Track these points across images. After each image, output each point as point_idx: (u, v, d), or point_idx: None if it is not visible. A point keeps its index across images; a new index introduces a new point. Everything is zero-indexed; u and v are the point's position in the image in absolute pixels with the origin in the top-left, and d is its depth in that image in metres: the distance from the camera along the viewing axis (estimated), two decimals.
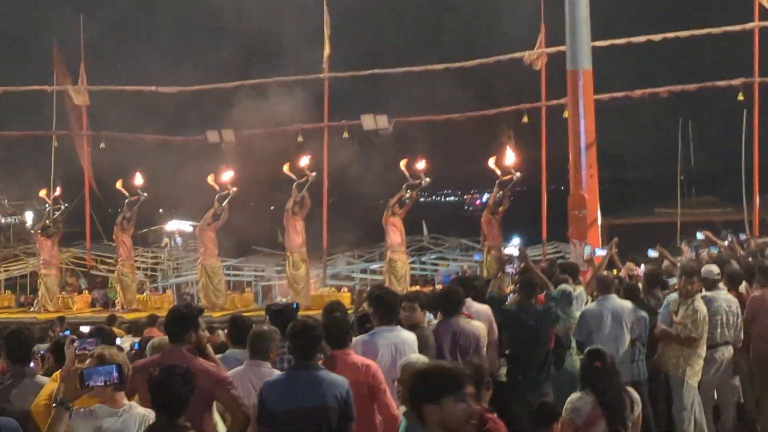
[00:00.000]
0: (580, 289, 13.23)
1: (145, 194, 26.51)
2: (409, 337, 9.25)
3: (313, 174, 25.26)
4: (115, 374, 6.27)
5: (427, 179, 24.44)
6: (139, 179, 26.77)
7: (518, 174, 23.24)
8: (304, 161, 25.30)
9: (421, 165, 24.50)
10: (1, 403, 7.89)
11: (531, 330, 10.71)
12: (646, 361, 11.86)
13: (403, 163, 24.40)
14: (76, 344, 6.98)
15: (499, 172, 23.54)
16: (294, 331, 7.74)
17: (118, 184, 26.71)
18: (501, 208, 23.53)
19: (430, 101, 32.65)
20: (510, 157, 23.45)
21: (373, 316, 9.43)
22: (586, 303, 12.88)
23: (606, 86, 26.37)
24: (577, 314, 12.13)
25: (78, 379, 6.19)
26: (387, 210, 24.24)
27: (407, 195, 24.28)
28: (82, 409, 6.56)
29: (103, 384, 6.30)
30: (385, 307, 9.39)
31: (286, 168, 25.04)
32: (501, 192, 23.72)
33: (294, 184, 24.76)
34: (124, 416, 6.62)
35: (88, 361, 6.63)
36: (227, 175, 25.76)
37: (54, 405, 6.25)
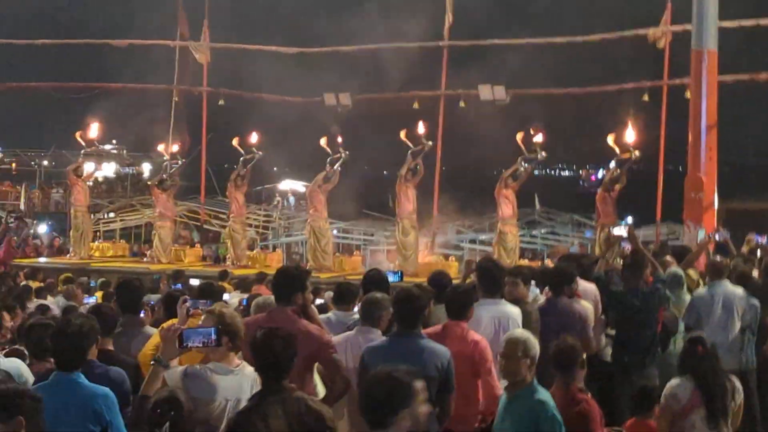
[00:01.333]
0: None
1: (260, 153, 26.68)
2: (513, 311, 9.20)
3: (429, 143, 25.13)
4: (213, 336, 6.35)
5: (543, 153, 24.15)
6: (254, 137, 26.95)
7: (637, 153, 22.88)
8: (421, 129, 25.22)
9: (537, 138, 24.23)
10: (118, 351, 8.04)
11: (637, 311, 10.56)
12: (756, 349, 11.62)
13: (519, 136, 24.15)
14: (188, 304, 7.10)
15: (618, 150, 23.21)
16: (398, 299, 7.77)
17: (235, 141, 26.94)
18: (617, 186, 23.18)
19: (548, 74, 32.37)
20: (630, 135, 23.08)
21: (477, 288, 9.39)
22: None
23: (730, 68, 25.79)
24: (687, 298, 11.95)
25: (177, 340, 6.28)
26: (500, 182, 24.03)
27: (522, 168, 24.06)
28: (198, 366, 6.64)
29: (201, 345, 6.38)
30: (489, 280, 9.36)
31: (402, 134, 24.97)
32: (618, 170, 23.37)
33: (409, 152, 24.69)
34: (239, 375, 6.67)
35: (203, 318, 6.72)
36: (340, 139, 25.82)
37: (152, 363, 6.34)
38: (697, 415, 7.96)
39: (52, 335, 6.71)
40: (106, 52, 35.32)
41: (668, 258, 13.12)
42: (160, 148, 29.61)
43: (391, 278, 9.89)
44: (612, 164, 24.01)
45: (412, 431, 5.12)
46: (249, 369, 6.66)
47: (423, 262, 25.03)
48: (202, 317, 6.80)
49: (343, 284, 9.65)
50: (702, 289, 12.16)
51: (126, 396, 6.97)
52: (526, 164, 24.10)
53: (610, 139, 23.09)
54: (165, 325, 7.55)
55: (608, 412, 8.26)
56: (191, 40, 32.40)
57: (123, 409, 6.55)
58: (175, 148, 28.14)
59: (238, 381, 6.63)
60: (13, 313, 12.05)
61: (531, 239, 31.71)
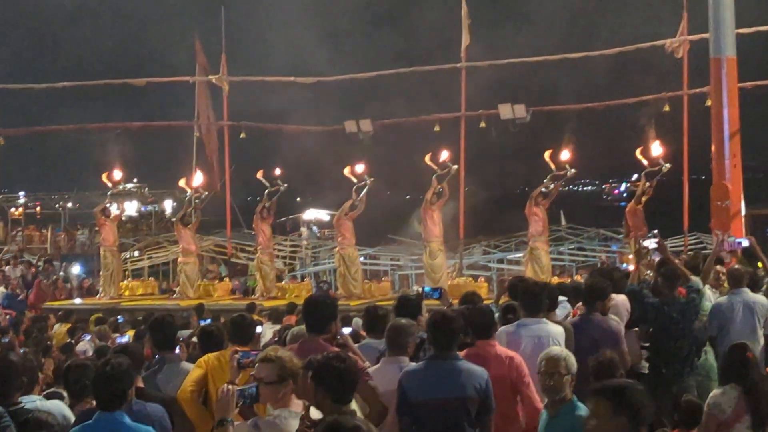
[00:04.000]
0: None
1: (285, 185, 26.71)
2: (555, 329, 9.18)
3: (455, 167, 25.18)
4: (254, 392, 6.28)
5: (572, 170, 24.19)
6: (278, 170, 27.00)
7: (667, 165, 22.83)
8: (445, 153, 25.24)
9: (565, 156, 24.23)
10: (148, 388, 8.06)
11: (675, 322, 10.52)
12: None
13: (547, 154, 24.15)
14: (238, 356, 7.04)
15: (646, 163, 23.16)
16: (434, 322, 7.74)
17: (259, 174, 26.99)
18: (644, 198, 23.15)
19: (567, 90, 32.34)
20: (657, 147, 23.03)
21: (519, 308, 9.37)
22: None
23: (750, 74, 25.73)
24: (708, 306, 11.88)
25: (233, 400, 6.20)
26: (530, 200, 24.03)
27: (551, 186, 24.09)
28: (268, 418, 6.48)
29: (248, 401, 6.32)
30: (530, 299, 9.33)
31: (427, 158, 25.01)
32: (648, 183, 23.32)
33: (434, 176, 24.72)
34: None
35: (257, 366, 6.62)
36: (363, 167, 25.83)
37: (216, 427, 6.22)
38: (743, 423, 7.90)
39: (92, 378, 6.74)
40: (126, 91, 35.51)
41: (718, 267, 13.06)
42: (181, 183, 29.67)
43: (431, 295, 9.87)
44: (639, 177, 23.97)
45: None
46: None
47: (452, 284, 24.98)
48: (256, 365, 6.70)
49: (371, 311, 9.54)
50: (722, 298, 12.08)
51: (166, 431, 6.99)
52: (554, 182, 24.10)
53: (638, 152, 23.07)
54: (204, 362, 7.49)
55: None
56: (210, 74, 32.49)
57: None
58: (197, 182, 28.16)
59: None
60: (48, 356, 12.12)
61: (558, 255, 31.62)
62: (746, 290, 11.79)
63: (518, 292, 9.66)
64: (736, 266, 13.07)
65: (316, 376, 6.25)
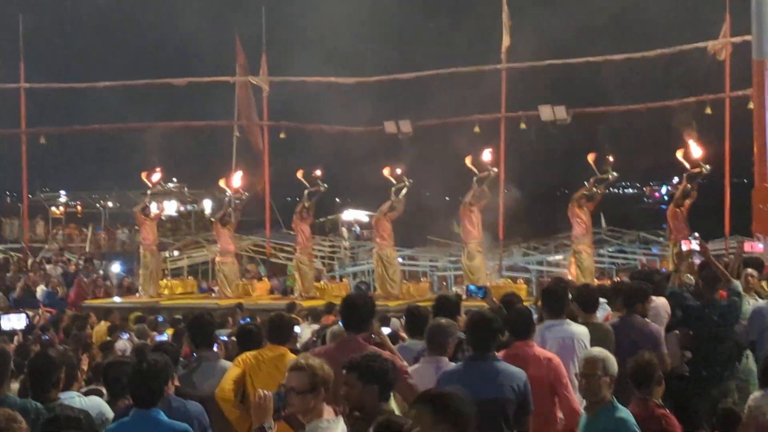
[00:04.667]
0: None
1: (325, 185, 26.72)
2: (579, 330, 9.15)
3: (495, 170, 25.14)
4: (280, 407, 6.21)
5: (615, 174, 24.11)
6: (318, 170, 27.02)
7: (707, 167, 22.69)
8: (487, 156, 25.18)
9: (607, 160, 24.14)
10: (186, 386, 8.09)
11: (716, 325, 10.45)
12: None
13: (591, 158, 24.06)
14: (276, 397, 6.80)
15: (687, 165, 23.02)
16: (472, 323, 7.72)
17: (299, 174, 27.02)
18: (687, 201, 22.98)
19: (609, 91, 32.17)
20: (697, 150, 22.89)
21: (542, 309, 9.35)
22: None
23: None
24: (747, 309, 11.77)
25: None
26: (571, 202, 23.96)
27: (596, 189, 24.00)
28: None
29: (280, 408, 6.22)
30: (553, 301, 9.31)
31: (467, 161, 24.96)
32: (689, 185, 23.18)
33: (474, 178, 24.69)
34: (339, 422, 6.37)
35: (287, 375, 6.46)
36: (402, 168, 25.84)
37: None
38: None
39: (129, 375, 6.77)
40: (166, 91, 35.68)
41: (750, 270, 12.94)
42: (221, 183, 29.76)
43: (476, 293, 9.84)
44: (680, 179, 23.83)
45: None
46: (340, 418, 6.36)
47: (491, 286, 24.91)
48: (287, 373, 6.54)
49: (413, 311, 9.54)
50: (763, 302, 11.96)
51: (205, 429, 7.01)
52: (598, 185, 24.01)
53: (679, 155, 22.93)
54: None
55: (685, 426, 8.14)
56: (250, 74, 32.57)
57: None
58: (236, 183, 28.22)
59: (341, 428, 6.32)
60: (89, 353, 12.18)
61: (598, 258, 31.46)
62: None
63: (542, 295, 9.65)
64: None
65: (361, 374, 6.26)
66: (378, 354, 6.57)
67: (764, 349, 10.44)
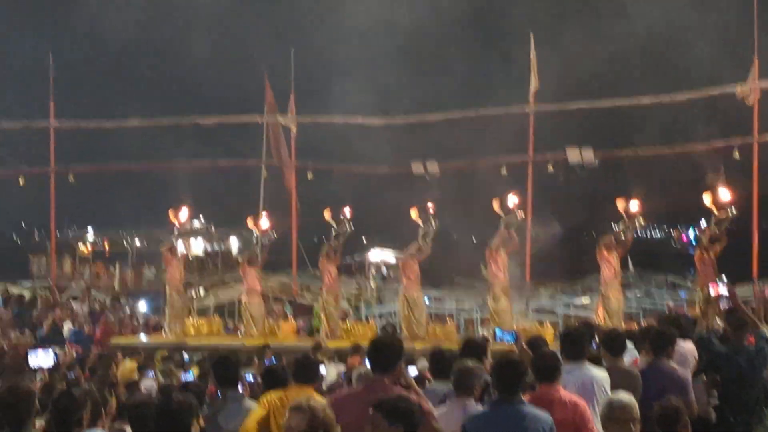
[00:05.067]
0: None
1: (351, 227, 26.71)
2: (599, 374, 9.08)
3: (521, 214, 25.07)
4: None
5: (642, 221, 24.06)
6: (347, 210, 27.01)
7: (734, 211, 22.58)
8: (513, 200, 25.09)
9: (635, 206, 24.06)
10: (211, 425, 8.07)
11: (744, 371, 10.36)
12: None
13: (620, 204, 23.99)
14: None
15: (714, 210, 22.92)
16: (499, 366, 7.68)
17: (326, 215, 27.02)
18: (717, 246, 22.86)
19: (636, 133, 32.15)
20: (725, 193, 22.78)
21: (560, 353, 9.30)
22: None
23: None
24: None
25: None
26: (599, 245, 23.90)
27: (623, 235, 23.95)
28: None
29: None
30: (569, 344, 9.25)
31: (495, 205, 24.90)
32: (717, 230, 23.06)
33: (501, 222, 24.64)
34: None
35: (287, 414, 6.45)
36: (430, 209, 25.79)
37: None
38: None
39: (155, 415, 6.76)
40: (195, 129, 35.86)
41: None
42: (249, 222, 29.82)
43: (506, 339, 9.81)
44: (706, 223, 23.72)
45: None
46: None
47: (518, 328, 24.82)
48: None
49: (438, 354, 9.54)
50: None
51: None
52: (626, 231, 23.94)
53: (707, 199, 22.82)
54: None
55: None
56: (278, 113, 32.72)
57: None
58: (264, 223, 28.25)
59: None
60: (115, 391, 12.18)
61: (626, 302, 31.30)
62: None
63: (561, 338, 9.60)
64: None
65: (387, 414, 6.23)
66: (405, 396, 6.59)
67: None
